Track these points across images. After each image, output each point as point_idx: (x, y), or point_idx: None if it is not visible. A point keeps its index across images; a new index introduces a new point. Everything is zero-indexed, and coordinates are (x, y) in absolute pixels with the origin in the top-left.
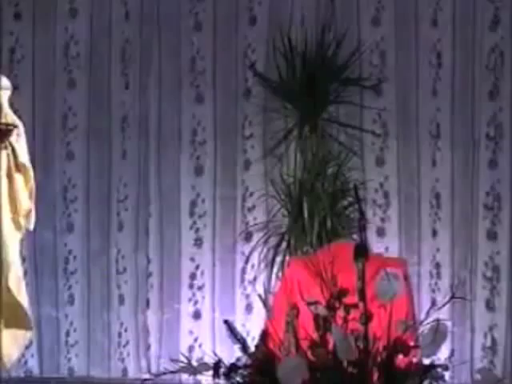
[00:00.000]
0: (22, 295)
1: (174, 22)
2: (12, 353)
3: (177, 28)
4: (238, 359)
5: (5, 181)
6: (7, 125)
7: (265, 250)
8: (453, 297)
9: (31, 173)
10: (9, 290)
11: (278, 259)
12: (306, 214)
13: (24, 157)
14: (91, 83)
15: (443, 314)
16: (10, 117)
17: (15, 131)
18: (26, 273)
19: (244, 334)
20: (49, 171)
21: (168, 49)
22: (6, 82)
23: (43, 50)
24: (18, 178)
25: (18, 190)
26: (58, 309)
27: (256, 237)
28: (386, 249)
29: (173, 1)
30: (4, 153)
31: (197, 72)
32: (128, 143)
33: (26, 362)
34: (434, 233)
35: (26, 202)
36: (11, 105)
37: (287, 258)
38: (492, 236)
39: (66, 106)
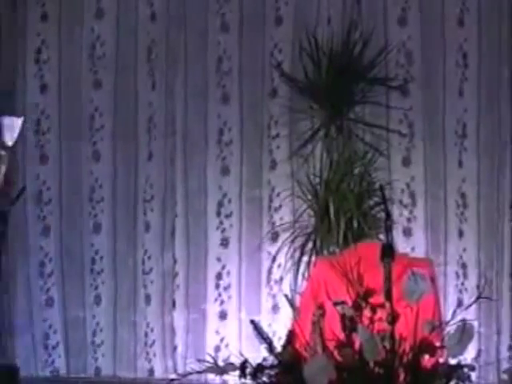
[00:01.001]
0: None
1: (200, 23)
2: None
3: (203, 28)
4: (265, 359)
5: None
6: None
7: (291, 250)
8: (479, 297)
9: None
10: None
11: (305, 259)
12: (332, 214)
13: None
14: (117, 84)
15: (469, 314)
16: None
17: None
18: (52, 273)
19: (270, 334)
20: (75, 172)
21: (194, 49)
22: None
23: (69, 50)
24: None
25: None
26: (84, 309)
27: (282, 237)
28: (413, 249)
29: (199, 1)
30: None
31: (223, 72)
32: (154, 144)
33: (52, 362)
34: (461, 233)
35: None
36: (37, 105)
37: (313, 257)
38: None
39: (92, 106)
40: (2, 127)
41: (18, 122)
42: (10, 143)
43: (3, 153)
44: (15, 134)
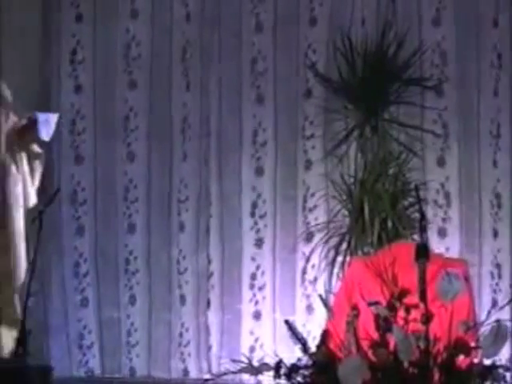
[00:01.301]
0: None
1: (234, 23)
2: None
3: (237, 29)
4: (299, 359)
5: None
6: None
7: (325, 250)
8: None
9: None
10: (15, 287)
11: (339, 259)
12: (366, 215)
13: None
14: (152, 84)
15: (504, 314)
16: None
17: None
18: (87, 273)
19: (305, 335)
20: (110, 172)
21: (229, 49)
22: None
23: (104, 51)
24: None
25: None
26: (119, 309)
27: (317, 237)
28: (447, 249)
29: (234, 2)
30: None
31: (257, 73)
32: (189, 144)
33: (87, 362)
34: (495, 233)
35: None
36: (72, 105)
37: (348, 258)
38: None
39: (127, 106)
40: (38, 123)
41: (53, 118)
42: (46, 138)
43: (41, 151)
44: (51, 130)
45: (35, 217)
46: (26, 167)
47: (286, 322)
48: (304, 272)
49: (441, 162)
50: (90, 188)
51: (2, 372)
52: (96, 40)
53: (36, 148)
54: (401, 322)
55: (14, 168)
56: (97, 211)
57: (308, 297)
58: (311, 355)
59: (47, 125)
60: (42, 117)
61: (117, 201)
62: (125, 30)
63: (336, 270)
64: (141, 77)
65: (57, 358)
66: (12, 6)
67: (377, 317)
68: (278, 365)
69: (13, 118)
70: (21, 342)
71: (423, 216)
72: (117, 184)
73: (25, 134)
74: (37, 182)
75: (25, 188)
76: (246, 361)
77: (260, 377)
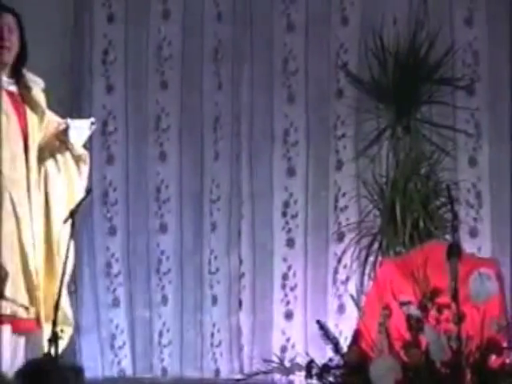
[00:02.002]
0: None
1: (266, 23)
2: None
3: (269, 29)
4: (331, 360)
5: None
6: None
7: (357, 250)
8: None
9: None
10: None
11: (371, 259)
12: (398, 215)
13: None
14: (183, 84)
15: None
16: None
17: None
18: (119, 273)
19: (336, 335)
20: (142, 172)
21: (260, 49)
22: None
23: (136, 51)
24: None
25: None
26: (151, 309)
27: (348, 237)
28: (479, 249)
29: (265, 2)
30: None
31: (289, 72)
32: (220, 144)
33: (119, 363)
34: None
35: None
36: (104, 105)
37: (379, 258)
38: None
39: (158, 107)
40: (68, 130)
41: (86, 124)
42: (76, 145)
43: (83, 152)
44: (84, 137)
45: (67, 217)
46: (72, 168)
47: (318, 322)
48: (336, 272)
49: (473, 162)
50: (122, 188)
51: (33, 373)
52: (128, 40)
53: (78, 150)
54: (433, 322)
55: (55, 171)
56: (128, 211)
57: (340, 297)
58: (343, 355)
59: (78, 132)
60: (73, 123)
61: (148, 201)
62: (156, 30)
63: (368, 270)
64: (172, 77)
65: (88, 358)
66: (44, 6)
67: (409, 317)
68: (310, 365)
69: (56, 120)
70: (52, 342)
71: (455, 216)
72: (148, 184)
73: (61, 137)
74: (84, 182)
75: (69, 189)
76: (278, 361)
77: (291, 377)
